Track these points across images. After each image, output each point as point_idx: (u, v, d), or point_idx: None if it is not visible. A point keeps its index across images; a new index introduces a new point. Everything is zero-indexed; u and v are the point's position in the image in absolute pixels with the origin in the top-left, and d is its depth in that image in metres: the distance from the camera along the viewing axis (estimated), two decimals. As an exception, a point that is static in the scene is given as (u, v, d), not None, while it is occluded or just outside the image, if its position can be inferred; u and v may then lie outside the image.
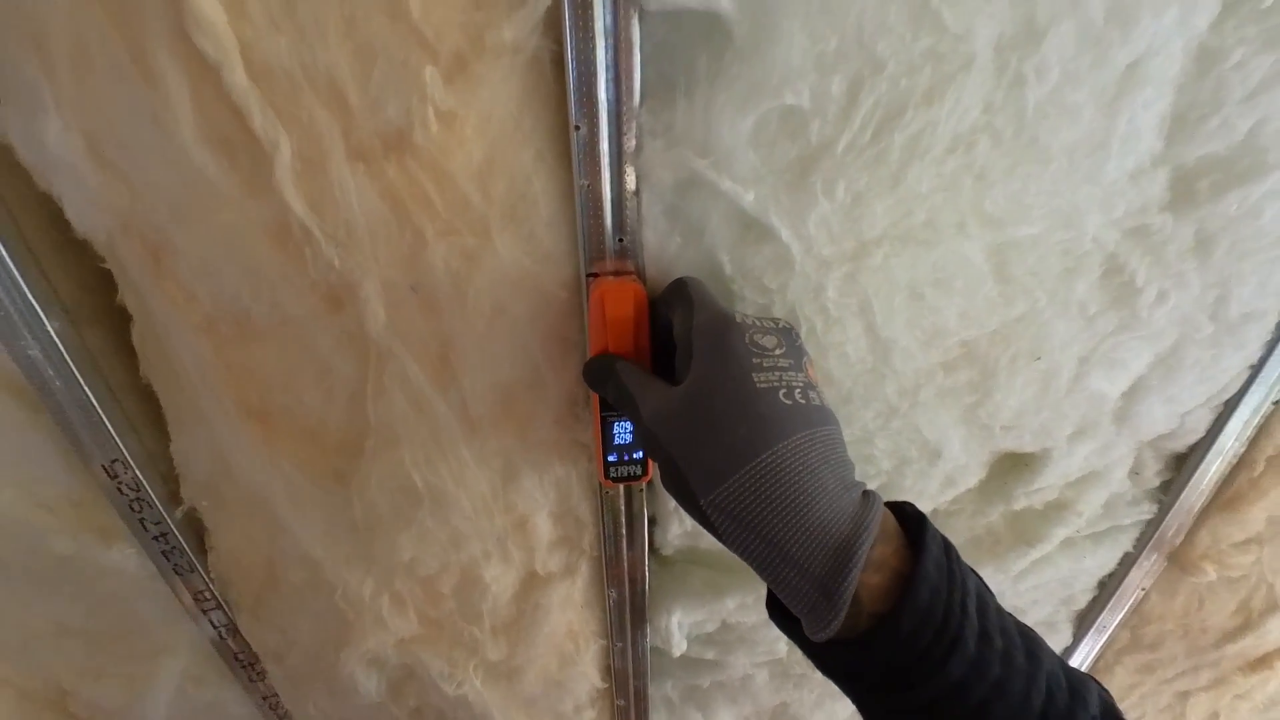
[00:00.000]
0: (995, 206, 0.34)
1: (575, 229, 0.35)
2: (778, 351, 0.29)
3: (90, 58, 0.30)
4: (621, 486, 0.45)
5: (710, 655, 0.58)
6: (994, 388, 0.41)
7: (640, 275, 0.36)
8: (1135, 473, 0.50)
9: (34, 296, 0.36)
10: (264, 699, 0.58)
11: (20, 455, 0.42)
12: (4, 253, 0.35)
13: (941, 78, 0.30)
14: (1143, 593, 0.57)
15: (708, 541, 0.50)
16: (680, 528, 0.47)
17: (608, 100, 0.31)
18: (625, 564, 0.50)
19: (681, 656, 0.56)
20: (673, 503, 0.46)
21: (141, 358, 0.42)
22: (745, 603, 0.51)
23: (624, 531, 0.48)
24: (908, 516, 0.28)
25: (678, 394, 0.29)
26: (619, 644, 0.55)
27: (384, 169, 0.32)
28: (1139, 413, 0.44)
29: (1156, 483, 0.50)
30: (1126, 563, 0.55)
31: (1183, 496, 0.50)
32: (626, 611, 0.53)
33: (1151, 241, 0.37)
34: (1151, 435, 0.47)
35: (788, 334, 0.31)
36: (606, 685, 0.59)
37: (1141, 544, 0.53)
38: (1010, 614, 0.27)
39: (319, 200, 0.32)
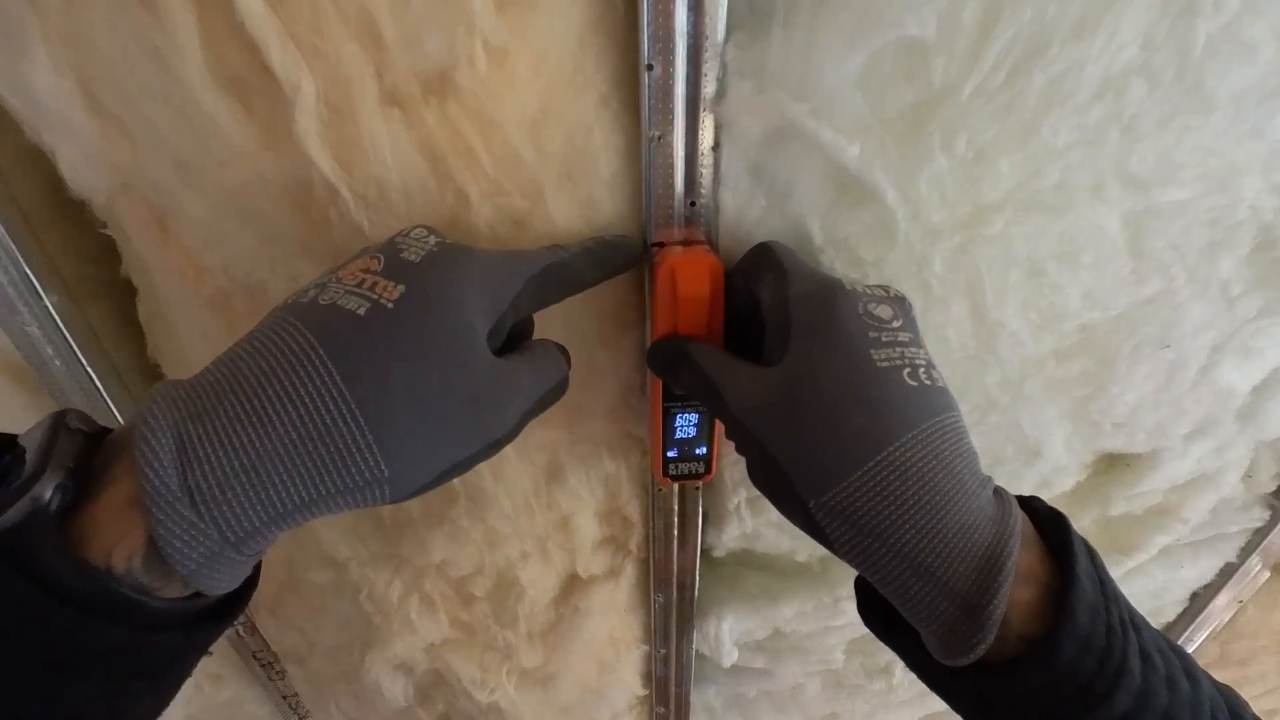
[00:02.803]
0: (1142, 166, 0.28)
1: (640, 191, 0.30)
2: (895, 324, 0.25)
3: (81, -18, 0.25)
4: (677, 485, 0.40)
5: (759, 664, 0.53)
6: (1111, 380, 0.35)
7: (711, 244, 0.31)
8: (1249, 475, 0.44)
9: (30, 268, 0.32)
10: (284, 698, 0.55)
11: (22, 442, 0.39)
12: (-6, 217, 0.31)
13: (1098, 4, 0.25)
14: (1239, 605, 0.52)
15: (764, 544, 0.45)
16: (739, 529, 0.43)
17: (686, 33, 0.26)
18: (675, 567, 0.45)
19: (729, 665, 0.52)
20: (731, 501, 0.42)
21: (149, 336, 0.38)
22: (804, 610, 0.47)
23: (675, 532, 0.43)
24: (1040, 515, 0.24)
25: (775, 378, 0.25)
26: (662, 651, 0.52)
27: (422, 117, 0.27)
28: (1268, 410, 0.39)
29: (1272, 487, 0.45)
30: (1226, 573, 0.50)
31: (1300, 503, 0.45)
32: (672, 617, 0.49)
33: (1315, 210, 0.31)
34: (1276, 434, 0.41)
35: (901, 303, 0.26)
36: (646, 693, 0.55)
37: (1246, 553, 0.48)
38: (1149, 621, 0.23)
39: (347, 154, 0.28)
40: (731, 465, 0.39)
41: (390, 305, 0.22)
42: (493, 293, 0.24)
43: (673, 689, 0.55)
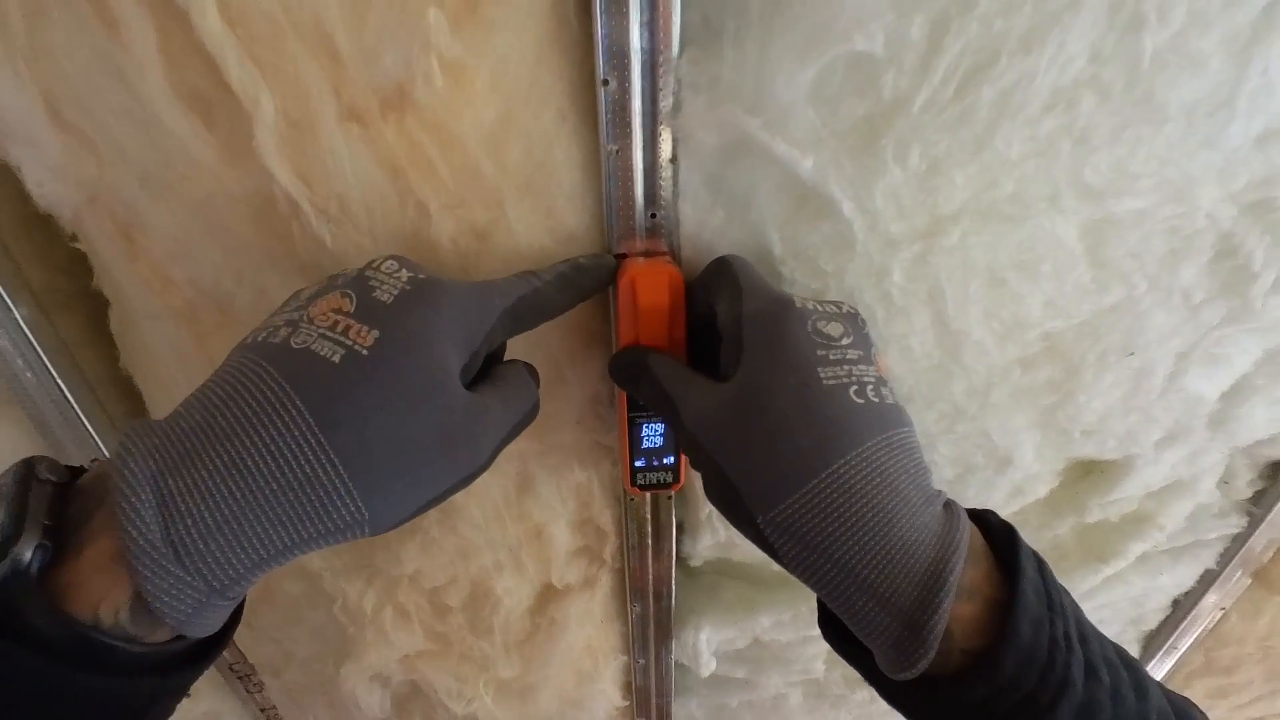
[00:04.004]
0: (1096, 176, 0.29)
1: (601, 203, 0.30)
2: (845, 341, 0.25)
3: (43, 1, 0.26)
4: (648, 494, 0.40)
5: (740, 674, 0.53)
6: (1078, 387, 0.35)
7: (674, 256, 0.31)
8: (1225, 482, 0.44)
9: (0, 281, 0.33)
10: (262, 710, 0.55)
11: (-7, 454, 0.39)
12: (-40, 231, 0.31)
13: (1044, 18, 0.25)
14: (1222, 613, 0.51)
15: (741, 553, 0.45)
16: (713, 538, 0.43)
17: (641, 50, 0.26)
18: (650, 576, 0.45)
19: (709, 674, 0.52)
20: (704, 511, 0.42)
21: (121, 348, 0.38)
22: (781, 620, 0.47)
23: (649, 542, 0.43)
24: (992, 528, 0.24)
25: (726, 393, 0.25)
26: (641, 661, 0.51)
27: (381, 131, 0.27)
28: (1238, 416, 0.39)
29: (1248, 493, 0.45)
30: (1206, 580, 0.50)
31: (1277, 509, 0.45)
32: (650, 627, 0.49)
33: (1274, 218, 0.31)
34: (1249, 441, 0.41)
35: (853, 320, 0.26)
36: (627, 703, 0.55)
37: (1225, 560, 0.48)
38: (1102, 634, 0.24)
39: (307, 168, 0.28)
40: (702, 475, 0.39)
41: (365, 352, 0.22)
42: (466, 328, 0.24)
43: (654, 700, 0.55)
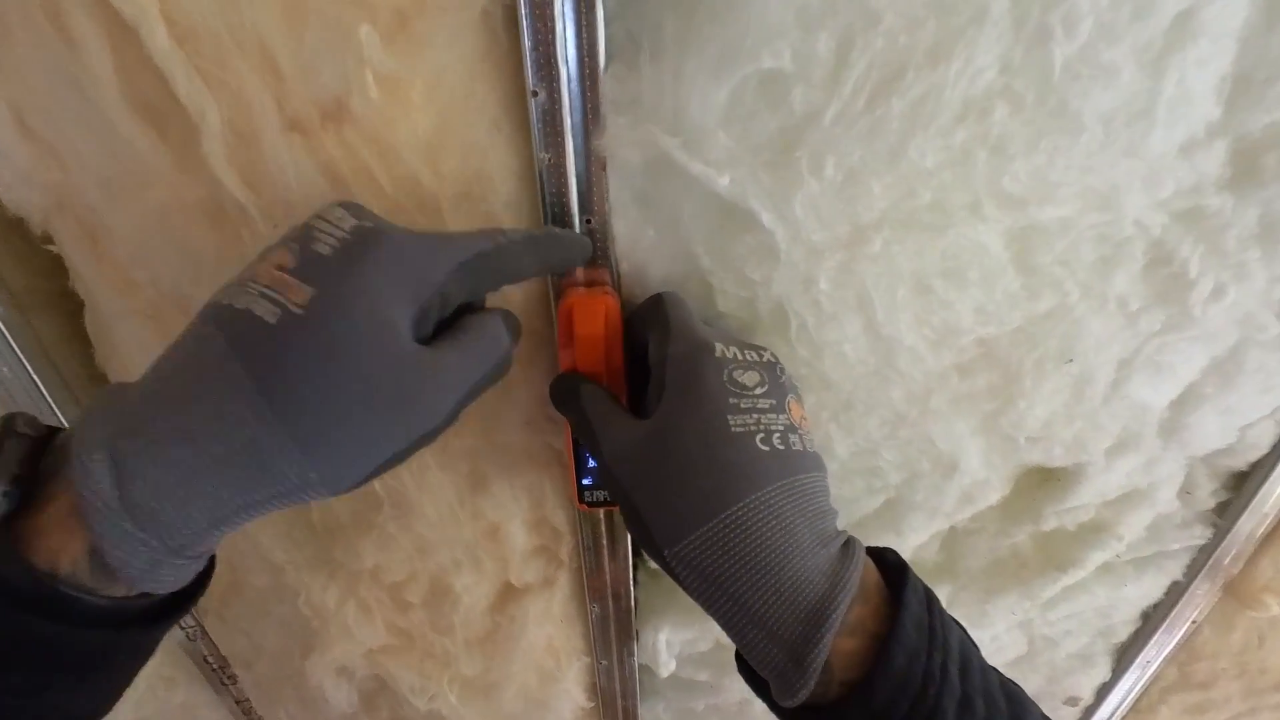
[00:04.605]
0: (1015, 184, 0.29)
1: (538, 209, 0.31)
2: (759, 390, 0.26)
3: (6, 17, 0.27)
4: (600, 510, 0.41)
5: (703, 677, 0.53)
6: (1018, 394, 0.36)
7: (613, 274, 0.32)
8: (1186, 492, 0.44)
9: (-23, 282, 0.35)
10: (237, 703, 0.56)
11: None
12: (-61, 235, 0.33)
13: (949, 33, 0.26)
14: (1193, 626, 0.51)
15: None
16: (665, 541, 0.43)
17: (568, 61, 0.28)
18: (608, 577, 0.46)
19: (672, 677, 0.52)
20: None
21: (96, 346, 0.40)
22: (738, 624, 0.47)
23: (605, 543, 0.44)
24: (889, 566, 0.26)
25: (643, 432, 0.26)
26: (604, 662, 0.52)
27: (322, 141, 0.29)
28: (1190, 425, 0.39)
29: (1211, 504, 0.44)
30: (1175, 593, 0.49)
31: (1241, 520, 0.44)
32: (611, 627, 0.49)
33: (1206, 226, 0.32)
34: (1205, 451, 0.41)
35: (771, 369, 0.28)
36: (593, 704, 0.56)
37: (1192, 572, 0.47)
38: (996, 670, 0.25)
39: (254, 176, 0.29)
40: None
41: (300, 311, 0.21)
42: (414, 282, 0.23)
43: (619, 702, 0.55)
